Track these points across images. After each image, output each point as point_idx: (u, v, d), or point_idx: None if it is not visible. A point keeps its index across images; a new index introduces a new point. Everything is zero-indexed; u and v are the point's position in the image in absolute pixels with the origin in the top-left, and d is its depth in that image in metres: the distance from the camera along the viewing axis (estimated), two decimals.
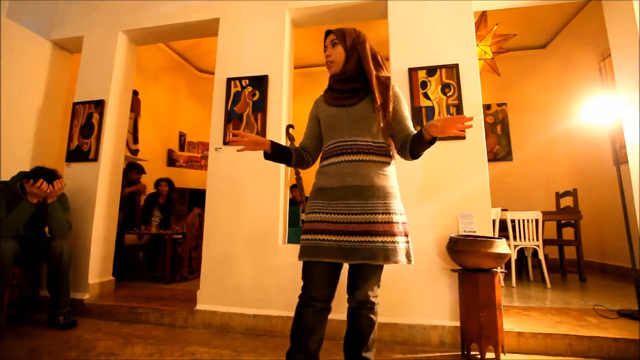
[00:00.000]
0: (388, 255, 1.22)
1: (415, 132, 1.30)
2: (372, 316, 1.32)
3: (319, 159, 1.47)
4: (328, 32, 1.39)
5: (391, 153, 1.41)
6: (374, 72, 1.32)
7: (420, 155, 1.32)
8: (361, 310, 1.32)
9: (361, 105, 1.33)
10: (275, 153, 1.41)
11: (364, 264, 1.27)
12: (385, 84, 1.33)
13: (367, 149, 1.32)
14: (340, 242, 1.25)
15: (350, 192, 1.28)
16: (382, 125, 1.31)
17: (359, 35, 1.37)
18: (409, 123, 1.39)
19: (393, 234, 1.25)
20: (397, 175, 2.39)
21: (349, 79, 1.35)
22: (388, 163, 1.37)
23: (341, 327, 2.12)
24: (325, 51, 1.39)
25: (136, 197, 4.14)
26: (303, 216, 2.46)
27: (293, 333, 1.33)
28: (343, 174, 1.30)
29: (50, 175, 2.39)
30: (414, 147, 1.29)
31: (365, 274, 1.30)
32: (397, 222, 1.28)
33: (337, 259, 1.25)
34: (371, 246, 1.23)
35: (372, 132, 1.33)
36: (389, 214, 1.27)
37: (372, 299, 1.32)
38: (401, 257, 1.25)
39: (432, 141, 1.22)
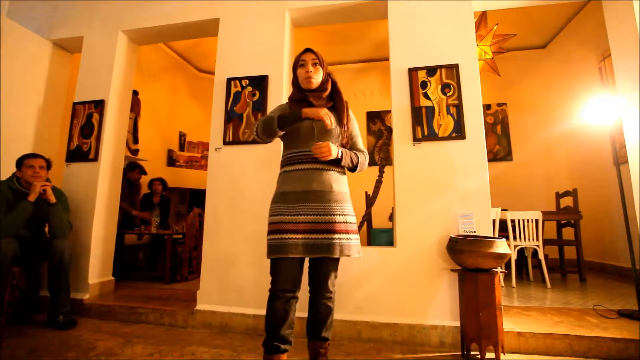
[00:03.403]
0: (343, 250, 1.46)
1: (361, 149, 1.68)
2: (330, 304, 1.55)
3: (280, 164, 1.65)
4: (309, 50, 1.60)
5: None
6: (344, 97, 1.63)
7: (352, 170, 1.63)
8: (321, 299, 1.53)
9: None
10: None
11: (323, 260, 1.51)
12: (346, 107, 1.63)
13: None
14: (305, 240, 1.45)
15: (313, 195, 1.49)
16: (343, 139, 1.58)
17: (327, 67, 1.65)
18: (358, 140, 1.69)
19: (347, 232, 1.49)
20: (396, 176, 2.40)
21: (327, 98, 1.61)
22: (343, 172, 1.62)
23: (341, 326, 2.13)
24: (303, 65, 1.58)
25: (134, 196, 4.14)
26: None
27: (267, 324, 1.49)
28: (308, 180, 1.51)
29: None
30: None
31: (325, 268, 1.52)
32: (351, 222, 1.53)
33: (302, 255, 1.45)
34: (329, 242, 1.44)
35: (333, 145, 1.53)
36: (345, 215, 1.51)
37: (332, 289, 1.54)
38: (353, 251, 1.49)
39: (338, 161, 1.53)
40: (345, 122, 1.58)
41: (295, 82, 1.64)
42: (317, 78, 1.57)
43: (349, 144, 1.64)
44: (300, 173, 1.53)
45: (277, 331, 1.46)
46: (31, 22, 3.19)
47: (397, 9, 2.48)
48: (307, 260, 1.56)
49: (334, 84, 1.63)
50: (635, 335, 1.83)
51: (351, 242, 1.49)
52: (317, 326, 1.54)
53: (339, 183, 1.55)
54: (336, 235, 1.45)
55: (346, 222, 1.50)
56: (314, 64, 1.57)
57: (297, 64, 1.61)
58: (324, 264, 1.52)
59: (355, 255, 1.50)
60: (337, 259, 1.53)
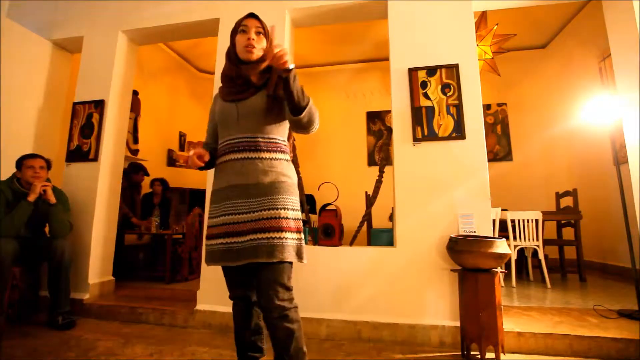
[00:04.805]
0: (273, 251, 1.17)
1: None
2: (288, 325, 1.18)
3: None
4: (252, 15, 1.36)
5: (285, 149, 1.36)
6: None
7: (298, 109, 1.20)
8: (273, 320, 1.19)
9: (252, 100, 1.29)
10: (210, 162, 1.38)
11: (259, 266, 1.20)
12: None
13: (255, 145, 1.27)
14: (228, 245, 1.22)
15: (235, 191, 1.25)
16: (274, 109, 1.27)
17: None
18: None
19: (280, 229, 1.20)
20: (396, 176, 2.38)
21: (264, 70, 1.32)
22: (279, 159, 1.30)
23: (342, 326, 2.13)
24: (245, 31, 1.32)
25: (135, 197, 4.14)
26: (303, 216, 2.45)
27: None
28: (229, 174, 1.28)
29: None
30: (287, 102, 1.22)
31: (262, 277, 1.21)
32: (287, 218, 1.23)
33: (226, 262, 1.23)
34: (256, 243, 1.18)
35: (262, 128, 1.28)
36: (277, 209, 1.22)
37: (281, 304, 1.18)
38: (289, 254, 1.20)
39: (286, 80, 1.17)
40: (271, 92, 1.29)
41: (230, 53, 1.35)
42: (259, 50, 1.31)
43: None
44: (222, 166, 1.31)
45: (236, 335, 1.38)
46: (31, 22, 3.19)
47: (397, 9, 2.48)
48: None
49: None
50: (635, 335, 1.83)
51: (286, 242, 1.19)
52: (280, 352, 1.21)
53: (270, 173, 1.25)
54: (264, 235, 1.18)
55: (278, 218, 1.21)
56: (258, 33, 1.32)
57: (237, 29, 1.34)
58: (261, 272, 1.20)
59: (292, 259, 1.21)
60: (281, 264, 1.20)
